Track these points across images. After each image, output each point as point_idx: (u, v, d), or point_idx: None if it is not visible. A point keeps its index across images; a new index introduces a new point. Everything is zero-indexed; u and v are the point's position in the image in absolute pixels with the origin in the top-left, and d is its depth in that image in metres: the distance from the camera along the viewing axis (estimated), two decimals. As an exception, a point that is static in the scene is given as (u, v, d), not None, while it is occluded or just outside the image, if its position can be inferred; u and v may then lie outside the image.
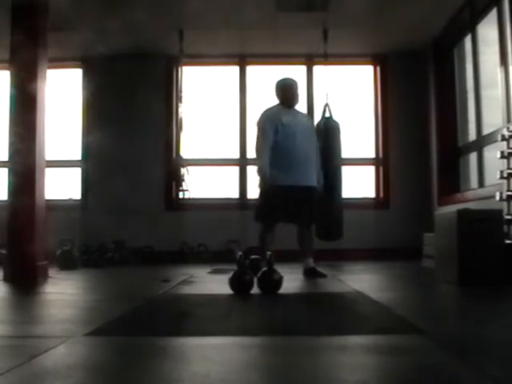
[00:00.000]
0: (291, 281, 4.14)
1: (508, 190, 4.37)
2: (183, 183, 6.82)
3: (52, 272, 4.81)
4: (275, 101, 4.62)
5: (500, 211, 4.05)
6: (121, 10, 5.57)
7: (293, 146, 4.32)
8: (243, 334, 2.14)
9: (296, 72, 7.42)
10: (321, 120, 6.17)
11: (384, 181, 7.23)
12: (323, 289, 3.87)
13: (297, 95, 4.55)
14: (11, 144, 4.50)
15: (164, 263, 6.35)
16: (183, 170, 6.82)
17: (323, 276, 4.38)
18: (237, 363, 1.68)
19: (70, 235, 6.09)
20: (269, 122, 4.39)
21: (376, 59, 7.40)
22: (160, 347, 1.89)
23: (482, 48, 5.80)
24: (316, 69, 7.34)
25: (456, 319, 2.55)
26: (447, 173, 6.61)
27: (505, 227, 4.09)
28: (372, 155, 7.39)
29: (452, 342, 1.90)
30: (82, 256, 6.14)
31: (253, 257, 4.26)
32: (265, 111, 4.52)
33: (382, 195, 7.25)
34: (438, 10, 5.93)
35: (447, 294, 3.53)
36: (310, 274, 4.43)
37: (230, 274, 3.42)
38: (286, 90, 4.52)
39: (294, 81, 4.62)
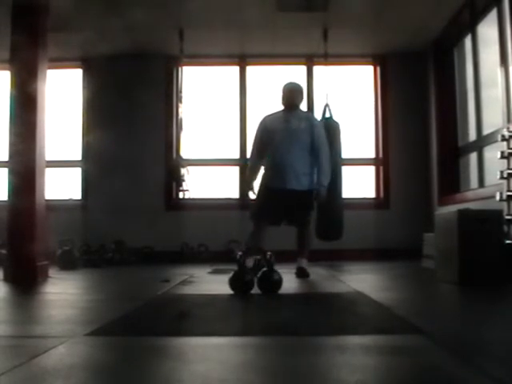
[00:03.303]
0: (291, 281, 4.14)
1: (508, 190, 4.37)
2: (183, 183, 6.82)
3: (52, 272, 4.81)
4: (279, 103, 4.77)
5: (500, 211, 4.05)
6: (121, 10, 5.57)
7: (277, 151, 4.51)
8: (243, 334, 2.14)
9: (296, 72, 7.43)
10: (321, 120, 6.18)
11: (384, 181, 7.23)
12: (323, 289, 3.87)
13: (294, 98, 4.62)
14: (11, 144, 4.50)
15: (164, 263, 6.34)
16: (183, 170, 6.83)
17: (306, 276, 4.42)
18: (237, 363, 1.68)
19: (70, 235, 6.09)
20: (259, 128, 4.68)
21: (376, 59, 7.39)
22: (160, 347, 1.89)
23: (482, 48, 5.80)
24: (316, 69, 7.34)
25: (456, 319, 2.55)
26: (447, 173, 6.61)
27: (505, 227, 4.09)
28: (372, 155, 7.39)
29: (452, 341, 1.90)
30: (83, 256, 6.14)
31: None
32: (262, 118, 4.71)
33: (382, 195, 7.25)
34: (438, 10, 5.93)
35: (447, 294, 3.53)
36: (299, 274, 4.45)
37: (230, 274, 3.42)
38: (283, 94, 4.66)
39: (292, 84, 4.70)
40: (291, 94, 4.62)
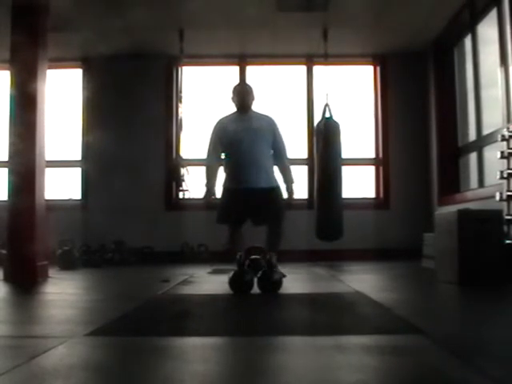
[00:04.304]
0: (291, 281, 4.14)
1: (508, 190, 4.37)
2: (183, 183, 6.81)
3: (52, 272, 4.81)
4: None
5: (500, 211, 4.05)
6: (121, 10, 5.57)
7: (239, 152, 4.41)
8: (243, 334, 2.14)
9: (296, 72, 7.43)
10: (321, 120, 6.18)
11: (384, 181, 7.23)
12: (323, 289, 3.87)
13: (246, 99, 4.56)
14: (11, 144, 4.50)
15: (164, 263, 6.34)
16: (183, 170, 6.82)
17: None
18: (236, 363, 1.68)
19: (70, 235, 6.10)
20: (217, 129, 4.56)
21: (376, 59, 7.39)
22: (160, 347, 1.89)
23: (482, 48, 5.80)
24: (316, 69, 7.34)
25: (456, 319, 2.55)
26: (447, 173, 6.61)
27: (505, 227, 4.09)
28: (372, 155, 7.39)
29: (452, 342, 1.90)
30: (82, 256, 6.14)
31: (253, 257, 4.27)
32: (217, 121, 4.64)
33: (382, 195, 7.24)
34: (438, 10, 5.93)
35: (447, 294, 3.53)
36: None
37: (230, 274, 3.42)
38: (234, 96, 4.61)
39: (243, 85, 4.68)
40: (243, 96, 4.59)
